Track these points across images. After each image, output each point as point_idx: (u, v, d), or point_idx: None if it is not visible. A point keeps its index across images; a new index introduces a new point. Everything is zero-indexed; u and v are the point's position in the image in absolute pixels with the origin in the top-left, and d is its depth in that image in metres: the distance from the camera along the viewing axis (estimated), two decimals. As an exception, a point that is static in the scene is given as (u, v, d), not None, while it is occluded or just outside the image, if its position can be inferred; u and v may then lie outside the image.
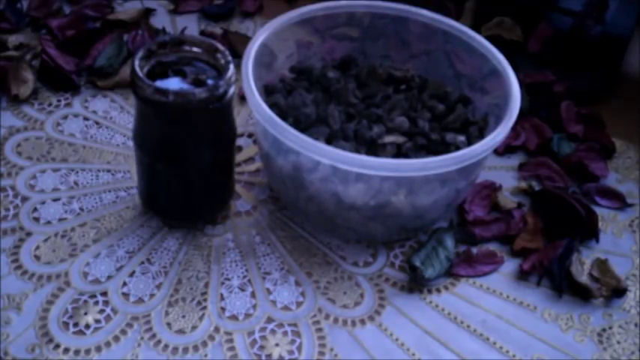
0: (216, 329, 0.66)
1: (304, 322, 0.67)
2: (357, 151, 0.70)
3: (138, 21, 0.96)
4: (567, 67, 0.91)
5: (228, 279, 0.70)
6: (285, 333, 0.66)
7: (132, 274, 0.69)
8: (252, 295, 0.69)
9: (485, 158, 0.69)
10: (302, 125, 0.72)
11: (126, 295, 0.68)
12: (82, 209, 0.74)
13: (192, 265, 0.70)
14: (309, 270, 0.71)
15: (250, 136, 0.83)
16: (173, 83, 0.66)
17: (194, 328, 0.66)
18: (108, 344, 0.64)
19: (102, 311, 0.66)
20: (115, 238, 0.72)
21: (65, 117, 0.83)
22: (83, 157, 0.79)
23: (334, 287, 0.70)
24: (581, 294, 0.71)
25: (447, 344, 0.66)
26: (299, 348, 0.65)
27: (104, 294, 0.67)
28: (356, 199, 0.67)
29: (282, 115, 0.71)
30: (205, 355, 0.64)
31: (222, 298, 0.68)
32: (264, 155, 0.73)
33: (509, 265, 0.73)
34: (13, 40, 0.89)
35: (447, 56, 0.80)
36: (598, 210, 0.77)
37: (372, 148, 0.72)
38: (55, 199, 0.75)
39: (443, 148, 0.72)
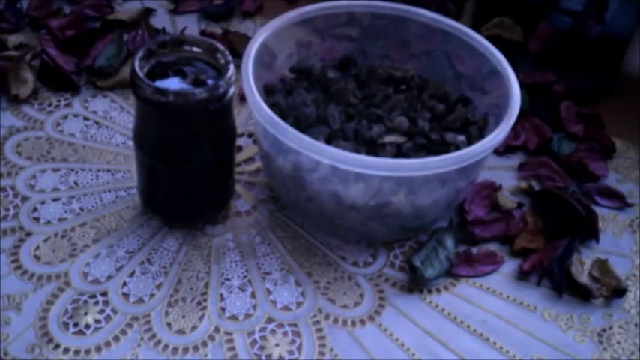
0: (216, 329, 0.66)
1: (304, 322, 0.67)
2: (357, 151, 0.70)
3: (138, 21, 0.96)
4: (567, 67, 0.91)
5: (228, 279, 0.70)
6: (285, 333, 0.66)
7: (132, 274, 0.69)
8: (252, 295, 0.69)
9: (485, 158, 0.69)
10: (302, 125, 0.72)
11: (126, 295, 0.68)
12: (82, 209, 0.74)
13: (192, 265, 0.70)
14: (309, 270, 0.71)
15: (250, 136, 0.83)
16: (173, 83, 0.66)
17: (194, 328, 0.66)
18: (108, 344, 0.64)
19: (102, 311, 0.66)
20: (115, 238, 0.72)
21: (65, 117, 0.83)
22: (83, 157, 0.79)
23: (334, 287, 0.70)
24: (581, 294, 0.71)
25: (447, 344, 0.66)
26: (299, 348, 0.65)
27: (104, 294, 0.67)
28: (356, 199, 0.67)
29: (282, 115, 0.71)
30: (205, 355, 0.64)
31: (222, 298, 0.68)
32: (264, 155, 0.73)
33: (509, 265, 0.73)
34: (13, 40, 0.89)
35: (447, 56, 0.80)
36: (598, 210, 0.77)
37: (372, 148, 0.72)
38: (55, 199, 0.75)
39: (443, 148, 0.72)
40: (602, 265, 0.72)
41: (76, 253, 0.70)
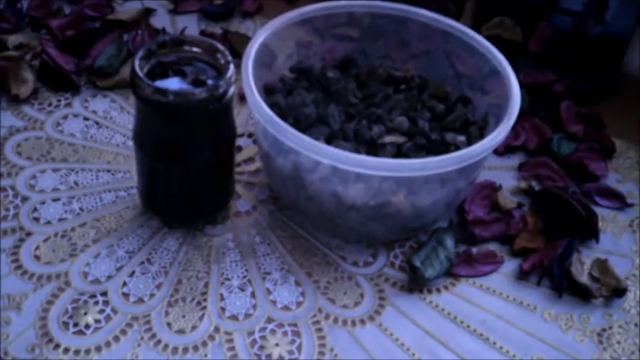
0: (216, 329, 0.66)
1: (304, 322, 0.67)
2: (357, 151, 0.70)
3: (138, 21, 0.96)
4: (567, 67, 0.91)
5: (228, 279, 0.70)
6: (285, 333, 0.66)
7: (132, 274, 0.69)
8: (252, 295, 0.69)
9: (485, 158, 0.69)
10: (302, 125, 0.72)
11: (126, 295, 0.68)
12: (82, 209, 0.74)
13: (192, 265, 0.70)
14: (309, 270, 0.71)
15: (250, 136, 0.83)
16: (173, 83, 0.66)
17: (194, 328, 0.66)
18: (108, 344, 0.64)
19: (102, 311, 0.66)
20: (115, 238, 0.72)
21: (65, 117, 0.83)
22: (83, 157, 0.79)
23: (334, 287, 0.70)
24: (581, 294, 0.71)
25: (447, 344, 0.66)
26: (299, 348, 0.65)
27: (104, 294, 0.67)
28: (356, 199, 0.67)
29: (282, 115, 0.71)
30: (205, 355, 0.64)
31: (222, 298, 0.68)
32: (264, 155, 0.73)
33: (509, 265, 0.73)
34: (13, 40, 0.89)
35: (447, 56, 0.80)
36: (598, 210, 0.77)
37: (372, 148, 0.72)
38: (55, 199, 0.75)
39: (443, 148, 0.72)
40: (602, 265, 0.72)
41: (76, 253, 0.70)
